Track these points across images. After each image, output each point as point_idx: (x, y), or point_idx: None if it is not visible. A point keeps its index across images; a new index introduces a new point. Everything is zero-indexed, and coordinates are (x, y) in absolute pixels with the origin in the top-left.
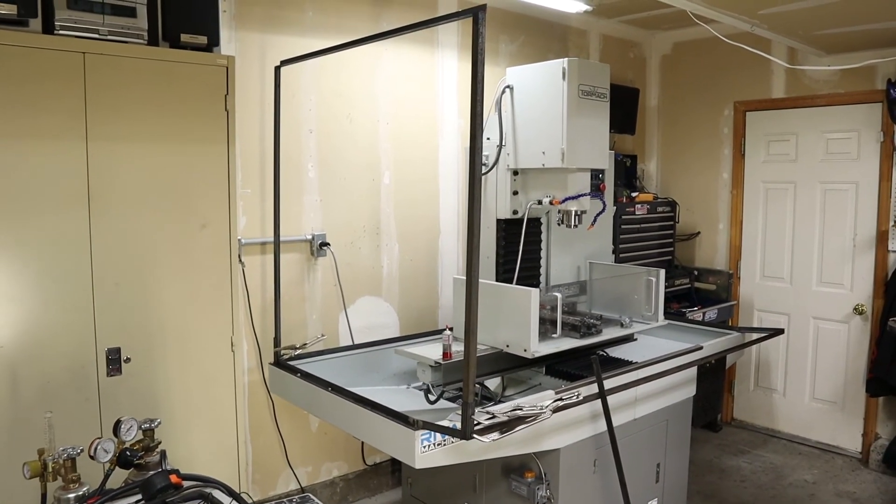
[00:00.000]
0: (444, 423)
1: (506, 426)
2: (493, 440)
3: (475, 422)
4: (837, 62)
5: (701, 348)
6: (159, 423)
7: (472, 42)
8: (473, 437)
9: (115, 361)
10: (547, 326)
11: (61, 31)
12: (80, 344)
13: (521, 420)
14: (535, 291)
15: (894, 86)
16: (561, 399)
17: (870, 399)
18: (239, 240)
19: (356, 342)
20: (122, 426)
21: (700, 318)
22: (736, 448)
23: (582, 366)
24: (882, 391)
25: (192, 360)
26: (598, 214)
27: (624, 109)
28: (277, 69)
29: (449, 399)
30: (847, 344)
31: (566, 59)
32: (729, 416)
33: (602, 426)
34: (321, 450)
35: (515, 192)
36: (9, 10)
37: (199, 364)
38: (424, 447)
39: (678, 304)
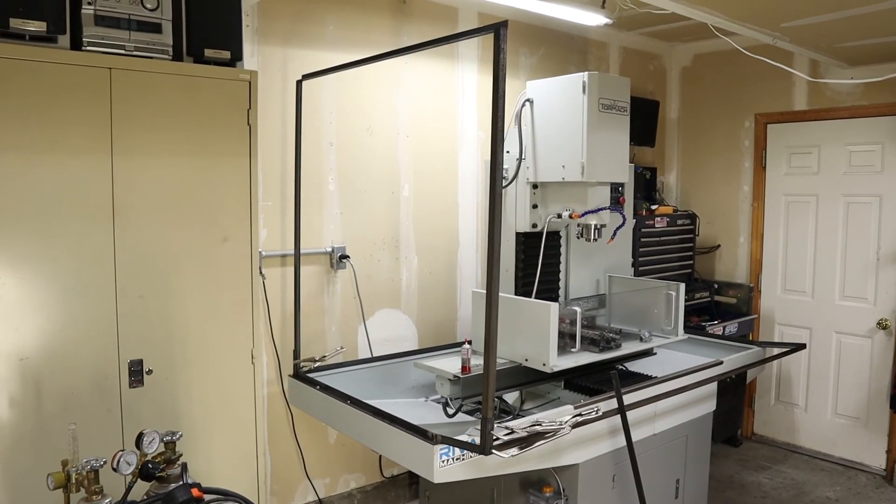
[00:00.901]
0: (463, 437)
1: (525, 441)
2: (512, 456)
3: (494, 437)
4: (861, 74)
5: (721, 363)
6: (181, 435)
7: (494, 58)
8: (492, 453)
9: (137, 373)
10: (566, 340)
11: (89, 48)
12: (103, 355)
13: (540, 436)
14: (554, 305)
15: None
16: (580, 415)
17: (894, 415)
18: (260, 252)
19: (375, 354)
20: (145, 438)
21: (720, 333)
22: (756, 463)
23: (601, 380)
24: None
25: (212, 372)
26: (617, 228)
27: (643, 122)
28: (299, 83)
29: (467, 412)
30: (870, 359)
31: (586, 72)
32: (749, 431)
33: (621, 441)
34: (339, 461)
35: (535, 206)
36: (38, 27)
37: (219, 376)
38: (443, 462)
39: (698, 318)
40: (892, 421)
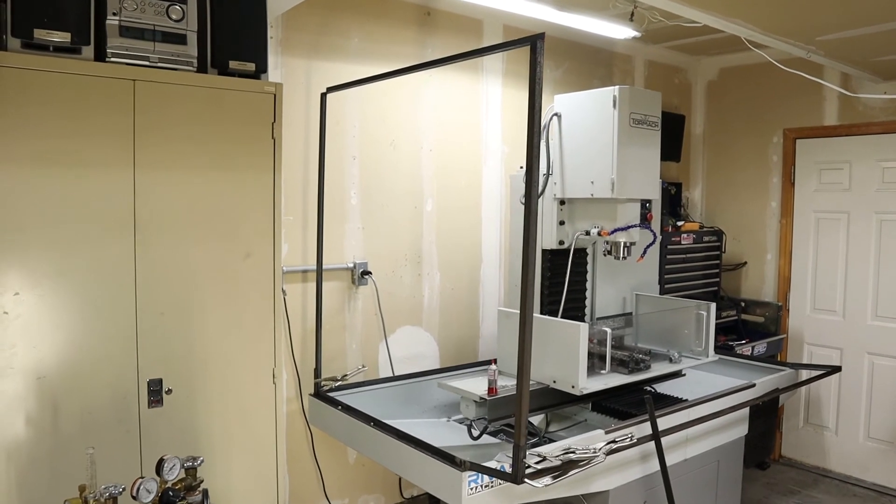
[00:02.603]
0: (492, 464)
1: (558, 470)
2: (546, 486)
3: (526, 465)
4: (894, 89)
5: (754, 385)
6: (202, 461)
7: (530, 71)
8: (524, 482)
9: (156, 393)
10: (594, 361)
11: (113, 59)
12: (121, 374)
13: (573, 464)
14: (584, 326)
15: None
16: (614, 441)
17: None
18: (281, 268)
19: (396, 372)
20: (165, 465)
21: (749, 353)
22: (785, 487)
23: (630, 402)
24: None
25: (233, 391)
26: (648, 246)
27: (669, 136)
28: (323, 96)
29: (490, 434)
30: None
31: (617, 86)
32: (777, 454)
33: (652, 467)
34: (358, 482)
35: (562, 222)
36: (62, 37)
37: (240, 396)
38: (472, 489)
39: (725, 337)
40: None
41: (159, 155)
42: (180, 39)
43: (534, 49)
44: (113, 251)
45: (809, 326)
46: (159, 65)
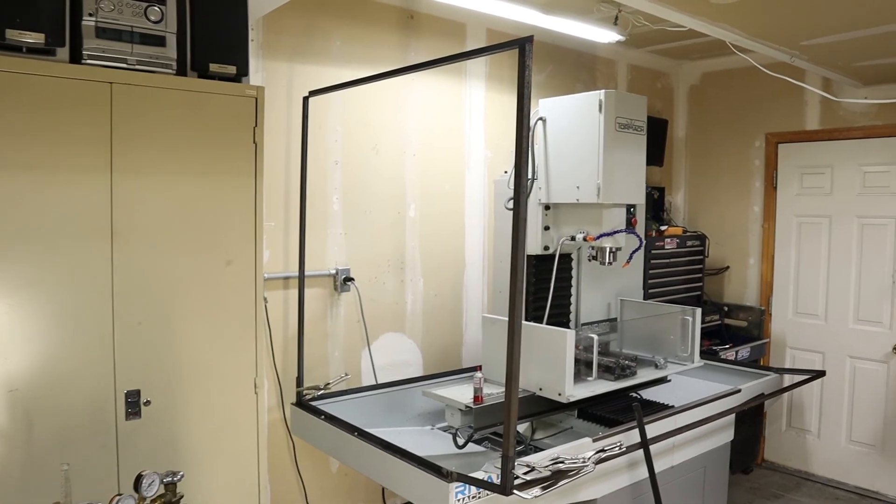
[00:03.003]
0: (480, 474)
1: (547, 480)
2: (535, 497)
3: (514, 475)
4: (875, 94)
5: (739, 391)
6: (182, 476)
7: (519, 74)
8: (514, 493)
9: (134, 404)
10: (580, 368)
11: (89, 61)
12: (98, 386)
13: (562, 474)
14: (570, 333)
15: None
16: (603, 450)
17: None
18: (263, 275)
19: (379, 380)
20: (144, 480)
21: (733, 357)
22: (769, 492)
23: (616, 409)
24: None
25: (213, 402)
26: (634, 251)
27: (652, 140)
28: (306, 100)
29: (475, 441)
30: (886, 384)
31: (603, 90)
32: (760, 458)
33: (639, 474)
34: (341, 492)
35: (547, 228)
36: (37, 38)
37: (220, 407)
38: (458, 500)
39: (708, 342)
40: None
41: (137, 160)
42: (159, 41)
43: (522, 52)
44: (89, 259)
45: (792, 330)
46: (137, 67)
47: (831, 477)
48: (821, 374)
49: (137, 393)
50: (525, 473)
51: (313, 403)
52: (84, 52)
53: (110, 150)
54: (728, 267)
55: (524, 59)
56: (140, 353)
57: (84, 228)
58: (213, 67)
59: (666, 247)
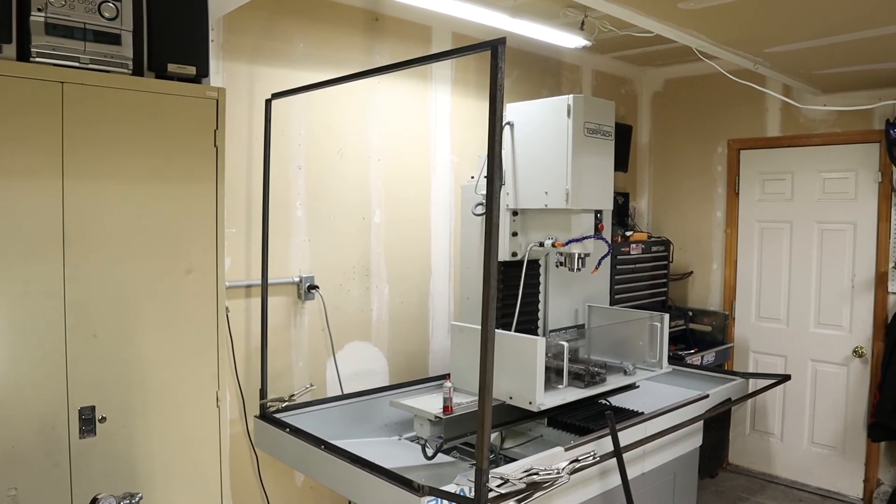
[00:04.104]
0: (452, 487)
1: (521, 493)
2: None
3: (488, 488)
4: (833, 101)
5: (707, 396)
6: (140, 497)
7: (491, 77)
8: None
9: (88, 421)
10: (550, 375)
11: (38, 59)
12: (49, 402)
13: (536, 486)
14: (541, 340)
15: (893, 126)
16: (577, 460)
17: (871, 444)
18: (225, 284)
19: (345, 390)
20: None
21: (699, 362)
22: (734, 495)
23: (586, 416)
24: (884, 436)
25: (173, 417)
26: (602, 257)
27: (616, 146)
28: (268, 102)
29: (444, 452)
30: (846, 387)
31: (571, 95)
32: (725, 462)
33: (610, 483)
34: None
35: (515, 234)
36: None
37: (181, 422)
38: None
39: (674, 347)
40: (869, 450)
41: (91, 164)
42: (114, 39)
43: (495, 54)
44: (39, 268)
45: (755, 334)
46: (90, 66)
47: (794, 479)
48: (786, 377)
49: (92, 409)
50: (499, 486)
51: (277, 416)
52: (32, 50)
53: (62, 154)
54: (692, 272)
55: (497, 61)
56: (95, 368)
57: (34, 236)
58: (172, 68)
59: (631, 252)
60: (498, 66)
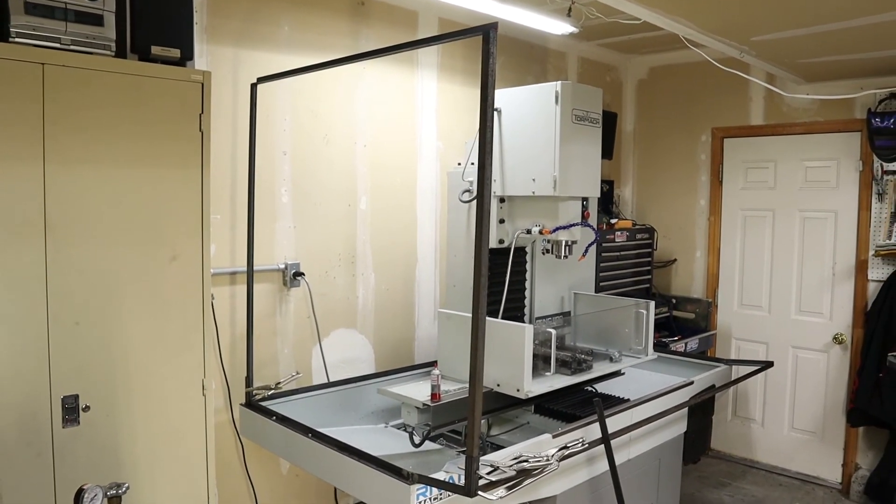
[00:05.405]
0: (441, 475)
1: (512, 480)
2: (501, 497)
3: (479, 476)
4: (815, 90)
5: (692, 383)
6: (127, 488)
7: (483, 63)
8: (478, 494)
9: (72, 410)
10: (538, 362)
11: (17, 39)
12: (32, 391)
13: (527, 473)
14: (529, 328)
15: (875, 115)
16: (566, 447)
17: (850, 429)
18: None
19: (331, 377)
20: (86, 495)
21: (682, 349)
22: (716, 480)
23: (572, 403)
24: (863, 421)
25: (158, 405)
26: (589, 245)
27: (602, 134)
28: (254, 87)
29: (431, 439)
30: (826, 373)
31: (559, 82)
32: (707, 447)
33: (597, 469)
34: (292, 493)
35: (501, 221)
36: None
37: (166, 410)
38: (420, 502)
39: (658, 334)
40: (847, 435)
41: (73, 148)
42: (96, 20)
43: (486, 39)
44: (20, 255)
45: (737, 322)
46: (72, 47)
47: (775, 464)
48: (769, 364)
49: (75, 398)
50: (489, 473)
51: (263, 404)
52: (11, 30)
53: (42, 137)
54: (675, 260)
55: (488, 46)
56: (78, 356)
57: (14, 222)
58: (156, 50)
59: (616, 240)
60: (490, 51)
